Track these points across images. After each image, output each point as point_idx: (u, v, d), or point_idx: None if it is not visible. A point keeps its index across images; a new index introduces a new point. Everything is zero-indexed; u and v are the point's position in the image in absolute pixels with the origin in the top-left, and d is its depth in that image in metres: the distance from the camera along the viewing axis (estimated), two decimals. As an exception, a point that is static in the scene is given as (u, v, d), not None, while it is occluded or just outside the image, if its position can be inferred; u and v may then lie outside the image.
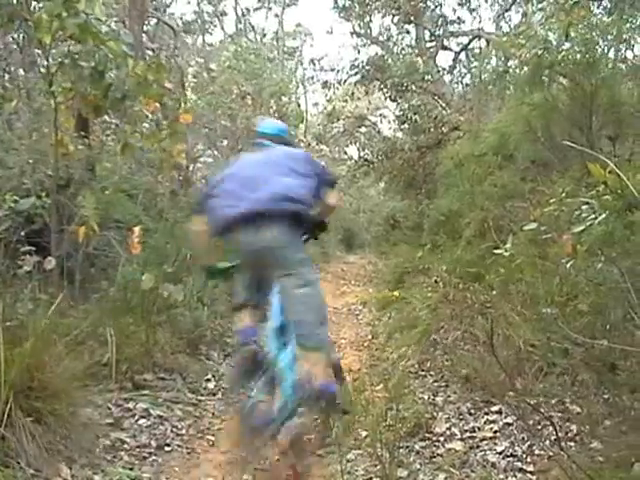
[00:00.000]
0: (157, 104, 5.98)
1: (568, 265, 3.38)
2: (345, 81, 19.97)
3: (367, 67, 17.84)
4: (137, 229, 5.70)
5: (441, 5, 19.16)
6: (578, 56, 7.30)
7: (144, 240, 6.71)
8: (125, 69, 5.38)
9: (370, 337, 8.80)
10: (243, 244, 3.88)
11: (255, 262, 4.00)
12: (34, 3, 5.73)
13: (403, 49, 18.30)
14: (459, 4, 19.18)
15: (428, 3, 18.82)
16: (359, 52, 20.23)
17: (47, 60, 5.54)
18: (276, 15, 23.42)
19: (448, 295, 6.66)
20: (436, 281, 7.28)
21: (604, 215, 3.07)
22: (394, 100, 18.16)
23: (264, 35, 24.15)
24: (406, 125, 17.61)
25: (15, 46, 9.07)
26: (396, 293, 8.79)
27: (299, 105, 20.33)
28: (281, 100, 16.53)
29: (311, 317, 3.83)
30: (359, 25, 20.06)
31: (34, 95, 7.48)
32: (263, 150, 4.32)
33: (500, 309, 5.20)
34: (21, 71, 9.34)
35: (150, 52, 11.39)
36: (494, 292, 5.52)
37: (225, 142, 16.48)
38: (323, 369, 3.84)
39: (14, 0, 5.42)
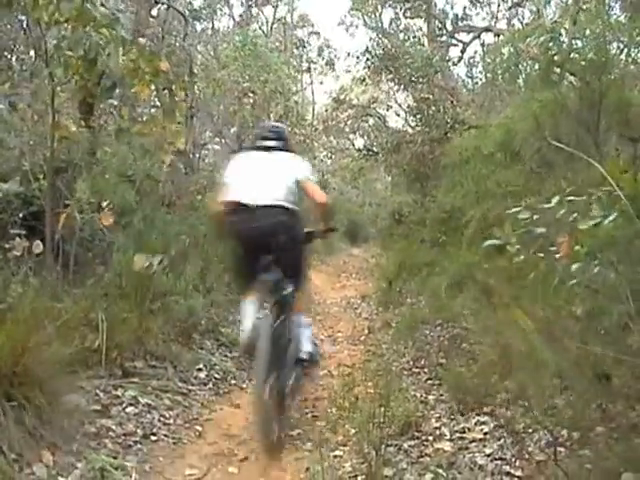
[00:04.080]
0: (152, 89, 5.90)
1: (572, 268, 3.31)
2: (356, 64, 19.91)
3: (379, 55, 17.73)
4: (105, 203, 5.60)
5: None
6: (590, 55, 7.23)
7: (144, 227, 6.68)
8: (116, 57, 5.28)
9: (367, 332, 8.77)
10: None
11: None
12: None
13: (416, 40, 18.21)
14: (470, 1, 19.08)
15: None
16: (370, 39, 20.11)
17: (44, 42, 5.47)
18: (285, 4, 23.30)
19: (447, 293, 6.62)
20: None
21: (614, 216, 3.00)
22: (406, 89, 18.06)
23: (273, 25, 24.02)
24: (416, 117, 17.52)
25: (20, 26, 9.01)
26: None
27: (297, 102, 20.06)
28: (284, 93, 16.40)
29: None
30: (370, 17, 19.97)
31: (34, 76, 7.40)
32: None
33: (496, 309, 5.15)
34: (28, 52, 9.28)
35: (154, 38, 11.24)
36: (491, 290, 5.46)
37: (232, 130, 16.36)
38: None
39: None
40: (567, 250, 3.25)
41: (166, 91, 7.25)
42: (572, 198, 3.42)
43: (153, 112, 6.59)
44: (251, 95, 14.56)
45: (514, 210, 3.67)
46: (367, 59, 18.34)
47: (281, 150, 5.31)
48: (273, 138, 5.36)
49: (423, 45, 17.87)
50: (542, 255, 3.71)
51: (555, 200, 3.50)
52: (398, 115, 22.42)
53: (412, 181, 17.54)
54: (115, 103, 6.49)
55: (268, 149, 5.30)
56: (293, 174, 5.11)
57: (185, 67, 12.12)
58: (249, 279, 4.97)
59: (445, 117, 16.09)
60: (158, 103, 8.81)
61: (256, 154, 5.33)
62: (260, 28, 19.89)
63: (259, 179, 5.05)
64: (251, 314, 4.85)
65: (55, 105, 5.59)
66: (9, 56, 8.78)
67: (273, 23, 24.03)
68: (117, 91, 5.68)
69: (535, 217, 3.54)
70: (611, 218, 3.00)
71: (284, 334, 4.88)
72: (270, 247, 4.80)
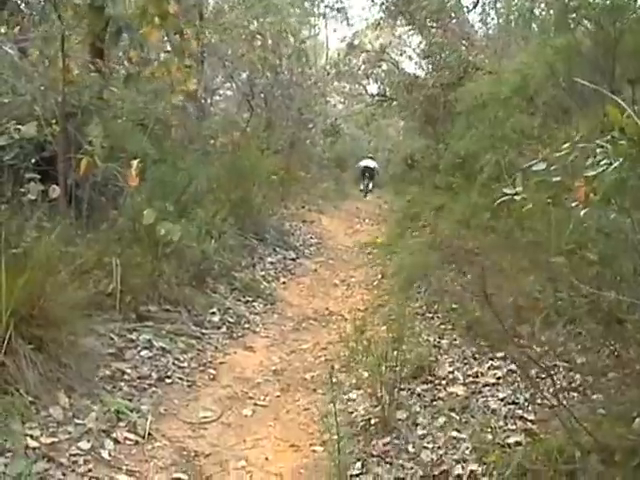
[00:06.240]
0: (161, 32, 5.78)
1: (581, 213, 3.26)
2: (371, 8, 19.56)
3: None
4: (135, 162, 5.53)
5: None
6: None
7: (153, 172, 6.62)
8: (123, 3, 5.18)
9: (380, 277, 8.76)
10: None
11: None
12: None
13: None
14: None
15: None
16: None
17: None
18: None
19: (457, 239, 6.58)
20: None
21: (618, 162, 2.94)
22: (420, 33, 17.75)
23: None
24: (429, 61, 17.27)
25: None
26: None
27: (306, 43, 19.56)
28: (292, 35, 16.10)
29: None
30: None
31: (43, 21, 7.28)
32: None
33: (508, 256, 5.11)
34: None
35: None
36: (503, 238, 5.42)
37: (243, 74, 16.10)
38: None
39: None
40: (582, 196, 3.19)
41: (177, 35, 7.11)
42: (584, 145, 3.36)
43: (164, 56, 6.44)
44: (259, 38, 14.24)
45: (530, 163, 3.61)
46: (382, 3, 18.02)
47: (372, 159, 24.23)
48: (370, 157, 24.52)
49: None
50: (556, 202, 3.67)
51: (566, 146, 3.45)
52: (411, 59, 22.06)
53: (424, 124, 17.39)
54: (126, 45, 6.37)
55: (367, 157, 24.42)
56: (374, 161, 24.07)
57: (195, 11, 11.95)
58: (363, 179, 23.49)
59: (458, 62, 15.87)
60: (169, 48, 8.65)
61: (366, 159, 24.02)
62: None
63: (367, 161, 23.76)
64: (362, 183, 23.50)
65: (65, 49, 5.52)
66: (18, 0, 8.61)
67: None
68: (125, 35, 5.56)
69: (552, 168, 3.48)
70: (615, 165, 2.94)
71: (367, 184, 23.32)
72: (369, 174, 23.37)
